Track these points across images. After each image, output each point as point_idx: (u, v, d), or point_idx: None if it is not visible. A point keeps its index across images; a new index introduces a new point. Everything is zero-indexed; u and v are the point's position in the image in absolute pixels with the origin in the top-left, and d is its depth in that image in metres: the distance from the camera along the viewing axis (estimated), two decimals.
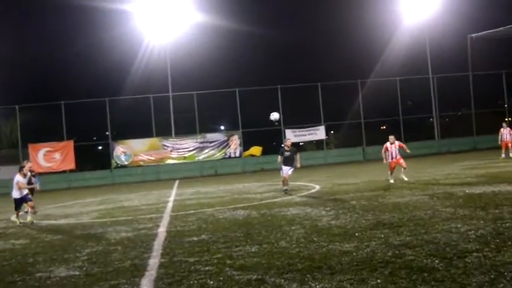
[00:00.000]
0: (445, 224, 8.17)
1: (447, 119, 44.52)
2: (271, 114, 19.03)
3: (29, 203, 13.98)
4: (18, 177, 13.96)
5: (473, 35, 38.26)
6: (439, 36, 40.28)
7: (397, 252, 6.55)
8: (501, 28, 34.72)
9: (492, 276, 5.16)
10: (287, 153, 16.60)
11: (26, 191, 14.06)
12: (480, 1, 38.22)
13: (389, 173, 16.88)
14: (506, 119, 41.05)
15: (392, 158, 16.95)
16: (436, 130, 40.83)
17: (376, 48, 43.94)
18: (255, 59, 51.29)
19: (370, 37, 44.13)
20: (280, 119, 34.98)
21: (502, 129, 24.27)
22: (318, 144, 42.60)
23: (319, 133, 38.48)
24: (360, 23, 44.50)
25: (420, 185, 15.10)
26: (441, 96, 41.03)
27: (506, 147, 23.77)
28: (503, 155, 23.51)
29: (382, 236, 7.66)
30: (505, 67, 40.61)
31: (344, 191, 15.21)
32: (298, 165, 16.78)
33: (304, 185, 19.07)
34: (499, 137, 24.19)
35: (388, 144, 17.11)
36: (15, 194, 13.87)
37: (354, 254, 6.65)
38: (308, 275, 5.80)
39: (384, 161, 17.45)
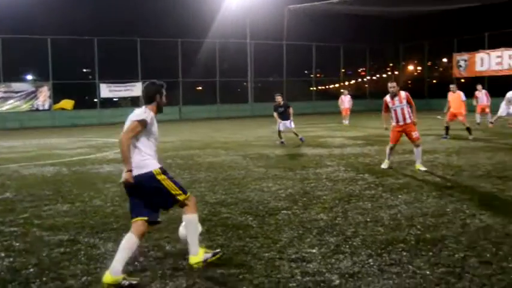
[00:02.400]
0: (257, 183, 8.60)
1: (259, 84, 46.57)
2: None
3: None
4: None
5: (291, 6, 40.21)
6: (259, 5, 41.52)
7: (212, 210, 6.72)
8: (317, 2, 37.00)
9: (300, 232, 5.56)
10: (281, 109, 16.67)
11: None
12: None
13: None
14: (312, 88, 44.38)
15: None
16: (250, 93, 42.52)
17: (200, 11, 43.93)
18: (70, 5, 47.91)
19: (194, 1, 44.01)
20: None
21: (477, 92, 22.94)
22: (133, 101, 41.64)
23: (135, 89, 37.50)
24: None
25: (234, 145, 15.64)
26: (256, 62, 42.69)
27: (483, 111, 22.59)
28: (478, 120, 22.19)
29: (198, 194, 7.79)
30: (315, 40, 43.66)
31: (160, 149, 15.07)
32: (291, 118, 16.75)
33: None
34: (475, 101, 22.83)
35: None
36: None
37: (171, 212, 6.63)
38: (124, 234, 5.62)
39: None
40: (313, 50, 43.89)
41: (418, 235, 5.32)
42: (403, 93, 9.87)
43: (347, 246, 5.03)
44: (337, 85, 48.72)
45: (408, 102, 9.87)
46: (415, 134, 9.78)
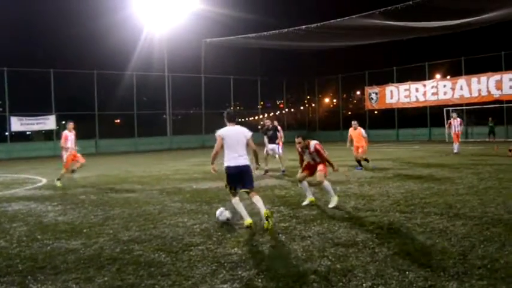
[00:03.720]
0: (173, 219, 8.49)
1: (179, 117, 46.45)
2: None
3: None
4: None
5: (208, 39, 40.68)
6: (177, 39, 41.70)
7: (125, 248, 6.55)
8: (233, 37, 37.64)
9: (214, 267, 5.53)
10: (270, 132, 16.80)
11: None
12: (215, 15, 40.75)
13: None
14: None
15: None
16: (169, 126, 42.25)
17: (118, 43, 43.54)
18: None
19: (114, 33, 43.64)
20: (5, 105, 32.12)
21: (452, 120, 23.28)
22: (47, 135, 40.14)
23: (49, 123, 36.20)
24: (107, 20, 43.66)
25: (151, 180, 15.40)
26: (175, 95, 42.64)
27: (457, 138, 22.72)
28: (455, 150, 22.34)
29: (111, 231, 7.59)
30: (233, 73, 44.35)
31: (74, 185, 14.62)
32: (281, 143, 16.98)
33: (30, 178, 17.78)
34: (452, 129, 23.09)
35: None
36: None
37: (81, 251, 6.44)
38: (29, 277, 5.40)
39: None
40: (231, 83, 44.47)
41: (328, 266, 5.44)
42: (312, 145, 9.48)
43: (259, 280, 5.05)
44: (256, 117, 49.50)
45: (318, 154, 9.48)
46: (318, 174, 9.43)
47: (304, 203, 9.58)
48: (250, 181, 7.87)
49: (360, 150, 16.80)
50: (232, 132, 7.86)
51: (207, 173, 16.98)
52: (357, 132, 16.93)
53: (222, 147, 7.84)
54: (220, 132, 7.81)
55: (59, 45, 51.22)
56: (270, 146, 16.64)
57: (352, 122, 17.39)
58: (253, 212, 8.10)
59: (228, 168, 7.81)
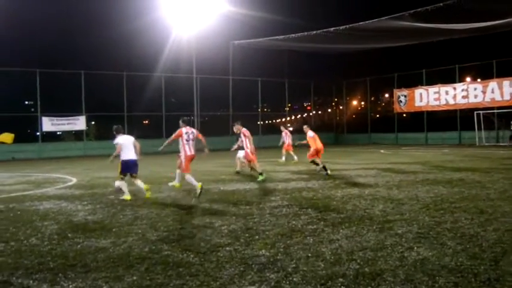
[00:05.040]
0: (201, 220, 8.53)
1: (206, 118, 46.68)
2: None
3: None
4: None
5: (236, 41, 40.83)
6: (205, 41, 41.93)
7: (153, 247, 6.60)
8: (261, 39, 37.70)
9: (241, 269, 5.53)
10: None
11: None
12: (243, 16, 40.89)
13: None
14: (259, 122, 44.78)
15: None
16: (197, 128, 42.45)
17: (147, 45, 44.04)
18: (13, 36, 46.98)
19: (143, 35, 44.19)
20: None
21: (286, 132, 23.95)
22: (77, 135, 40.81)
23: (79, 123, 36.83)
24: (136, 22, 44.24)
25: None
26: (203, 97, 42.87)
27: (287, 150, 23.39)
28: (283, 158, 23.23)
29: (140, 231, 7.66)
30: (261, 75, 44.42)
31: (103, 185, 14.83)
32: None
33: (61, 177, 18.09)
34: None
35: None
36: None
37: (111, 250, 6.51)
38: (60, 274, 5.48)
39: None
40: (259, 85, 44.51)
41: (357, 269, 5.39)
42: None
43: (287, 282, 5.04)
44: (283, 119, 49.45)
45: None
46: None
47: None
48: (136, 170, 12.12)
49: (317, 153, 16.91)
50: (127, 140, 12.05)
51: (234, 174, 17.05)
52: (311, 135, 17.09)
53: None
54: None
55: (89, 48, 52.12)
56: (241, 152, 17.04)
57: (304, 127, 17.95)
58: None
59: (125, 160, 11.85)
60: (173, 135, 12.71)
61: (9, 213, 9.82)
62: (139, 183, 11.90)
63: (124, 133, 12.58)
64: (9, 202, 11.47)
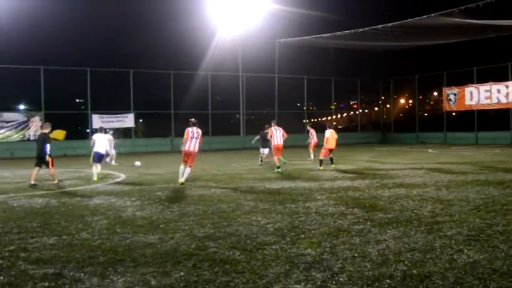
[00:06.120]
0: (247, 217, 8.57)
1: (252, 117, 46.81)
2: (135, 162, 22.00)
3: None
4: None
5: (282, 39, 40.77)
6: (251, 39, 42.01)
7: (200, 244, 6.68)
8: (307, 37, 37.52)
9: (287, 267, 5.53)
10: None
11: None
12: (289, 14, 40.77)
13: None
14: (305, 120, 44.58)
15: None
16: (242, 126, 42.68)
17: (193, 44, 44.50)
18: (64, 35, 48.36)
19: (189, 34, 44.66)
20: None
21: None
22: (125, 132, 41.67)
23: (127, 120, 37.62)
24: (183, 20, 44.78)
25: (225, 178, 15.63)
26: (249, 95, 43.02)
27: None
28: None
29: (187, 228, 7.76)
30: (307, 73, 44.20)
31: (150, 181, 15.10)
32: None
33: (110, 173, 18.52)
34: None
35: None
36: None
37: (158, 246, 6.62)
38: (110, 268, 5.62)
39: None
40: (305, 83, 44.33)
41: (404, 271, 5.31)
42: None
43: (333, 282, 5.00)
44: (329, 117, 49.09)
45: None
46: None
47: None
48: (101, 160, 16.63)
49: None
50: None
51: (279, 173, 17.05)
52: (331, 133, 18.89)
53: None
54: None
55: (138, 47, 52.99)
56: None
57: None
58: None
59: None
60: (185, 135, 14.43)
61: (61, 208, 10.13)
62: (96, 169, 16.04)
63: (106, 133, 18.79)
64: (61, 197, 11.83)
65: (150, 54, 51.69)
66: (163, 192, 12.23)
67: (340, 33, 33.93)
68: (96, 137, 16.69)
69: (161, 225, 7.99)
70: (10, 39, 40.77)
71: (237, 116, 43.86)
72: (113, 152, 23.65)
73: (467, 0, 26.48)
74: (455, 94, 41.29)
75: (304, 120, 46.09)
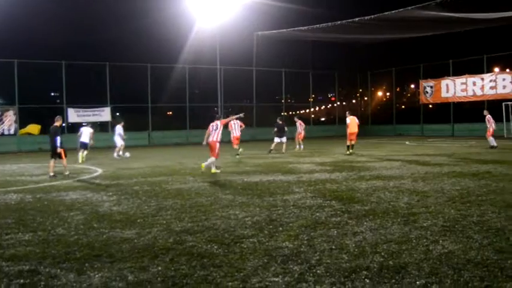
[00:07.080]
0: (224, 211, 8.56)
1: (230, 109, 46.67)
2: (125, 153, 23.59)
3: None
4: None
5: (260, 32, 40.64)
6: (229, 32, 41.80)
7: (178, 238, 6.66)
8: (284, 30, 37.45)
9: (265, 260, 5.55)
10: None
11: None
12: (267, 7, 40.66)
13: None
14: (283, 113, 44.68)
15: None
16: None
17: (170, 37, 44.19)
18: (38, 28, 47.59)
19: (166, 27, 44.35)
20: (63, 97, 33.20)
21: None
22: (102, 126, 41.17)
23: (104, 114, 37.14)
24: (160, 12, 44.42)
25: (203, 172, 15.56)
26: (226, 88, 42.87)
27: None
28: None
29: (164, 222, 7.73)
30: (285, 66, 44.24)
31: (127, 176, 14.98)
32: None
33: (86, 168, 18.33)
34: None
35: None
36: None
37: (135, 241, 6.59)
38: (87, 264, 5.57)
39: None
40: (283, 76, 44.35)
41: (381, 262, 5.36)
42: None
43: (311, 274, 5.03)
44: (307, 110, 49.23)
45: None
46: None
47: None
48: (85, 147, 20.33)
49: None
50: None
51: (258, 166, 17.07)
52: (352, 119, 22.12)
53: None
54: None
55: (114, 40, 52.42)
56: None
57: (347, 113, 22.73)
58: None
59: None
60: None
61: (37, 204, 10.00)
62: (81, 153, 21.07)
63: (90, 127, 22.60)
64: (37, 192, 11.67)
65: (127, 47, 51.22)
66: (141, 187, 12.15)
67: (317, 26, 33.92)
68: (83, 129, 21.94)
69: (138, 220, 7.95)
70: None
71: (215, 108, 43.69)
72: (122, 143, 24.00)
73: None
74: (431, 87, 41.69)
75: (282, 113, 46.15)
